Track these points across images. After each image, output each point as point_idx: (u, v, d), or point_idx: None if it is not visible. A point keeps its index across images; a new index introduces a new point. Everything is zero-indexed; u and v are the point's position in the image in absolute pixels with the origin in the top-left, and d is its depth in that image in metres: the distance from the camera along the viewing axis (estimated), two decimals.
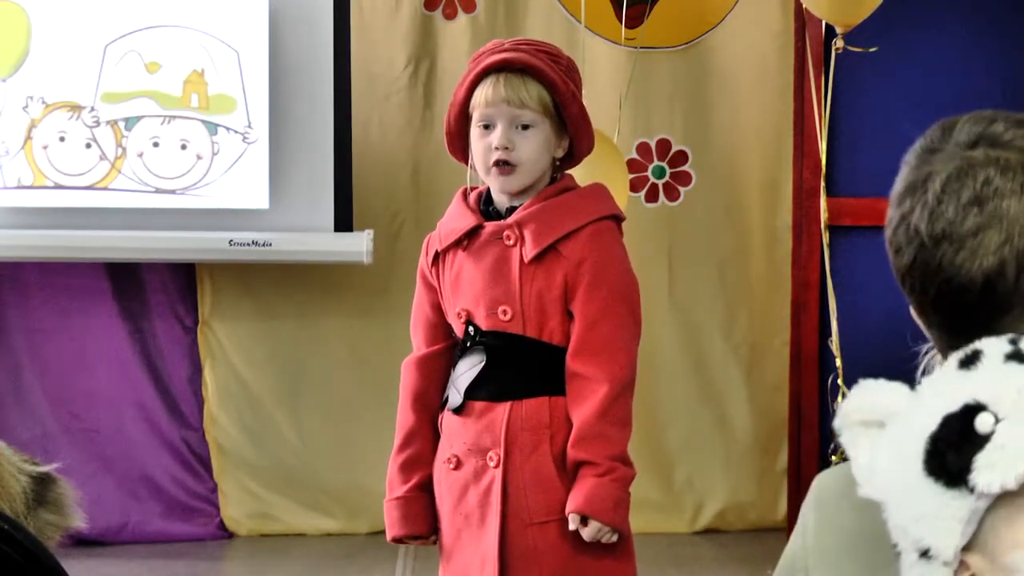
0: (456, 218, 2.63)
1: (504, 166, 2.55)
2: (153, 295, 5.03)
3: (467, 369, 2.58)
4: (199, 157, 4.77)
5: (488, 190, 2.64)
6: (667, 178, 5.10)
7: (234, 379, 5.06)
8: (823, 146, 4.30)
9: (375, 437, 4.88)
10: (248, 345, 5.06)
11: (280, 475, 5.06)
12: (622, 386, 2.53)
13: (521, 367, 2.56)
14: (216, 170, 4.77)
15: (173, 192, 4.77)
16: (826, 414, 4.34)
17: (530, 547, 2.53)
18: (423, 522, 2.66)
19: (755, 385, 5.11)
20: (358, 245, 4.73)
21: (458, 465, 2.59)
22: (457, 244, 2.60)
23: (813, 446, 4.50)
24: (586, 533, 2.49)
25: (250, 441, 5.06)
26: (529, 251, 2.53)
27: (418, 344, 2.70)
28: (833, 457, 4.08)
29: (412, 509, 2.66)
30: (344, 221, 4.78)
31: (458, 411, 2.60)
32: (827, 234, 4.28)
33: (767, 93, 5.05)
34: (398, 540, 2.70)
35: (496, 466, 2.54)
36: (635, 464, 2.59)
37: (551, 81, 2.54)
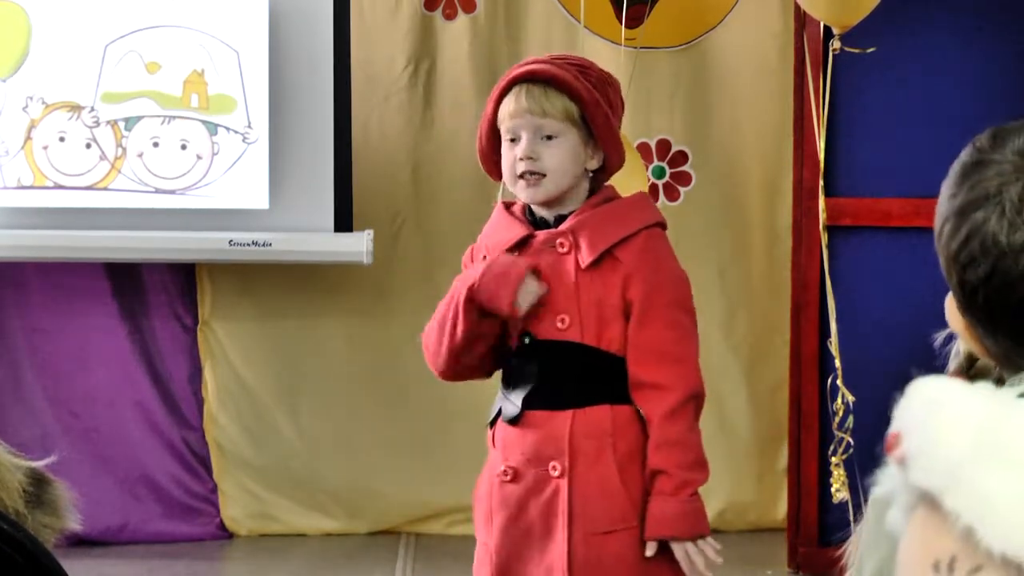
0: (502, 229, 2.60)
1: (530, 176, 2.53)
2: (153, 295, 5.02)
3: (523, 379, 2.56)
4: (199, 157, 4.77)
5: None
6: (667, 178, 5.10)
7: (234, 379, 5.06)
8: (821, 146, 4.29)
9: (375, 437, 4.89)
10: (248, 345, 5.06)
11: (280, 475, 5.05)
12: (694, 392, 2.52)
13: (581, 375, 2.53)
14: (216, 170, 4.77)
15: (173, 192, 4.77)
16: (826, 414, 4.33)
17: (594, 557, 2.50)
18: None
19: (755, 385, 5.11)
20: (358, 245, 4.73)
21: (515, 478, 2.55)
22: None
23: (813, 446, 4.49)
24: (679, 553, 2.47)
25: (250, 441, 5.06)
26: (585, 257, 2.51)
27: None
28: (833, 458, 4.08)
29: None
30: (344, 221, 4.78)
31: (514, 422, 2.56)
32: (826, 235, 4.28)
33: (767, 93, 5.05)
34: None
35: (560, 476, 2.50)
36: None
37: (576, 92, 2.52)
